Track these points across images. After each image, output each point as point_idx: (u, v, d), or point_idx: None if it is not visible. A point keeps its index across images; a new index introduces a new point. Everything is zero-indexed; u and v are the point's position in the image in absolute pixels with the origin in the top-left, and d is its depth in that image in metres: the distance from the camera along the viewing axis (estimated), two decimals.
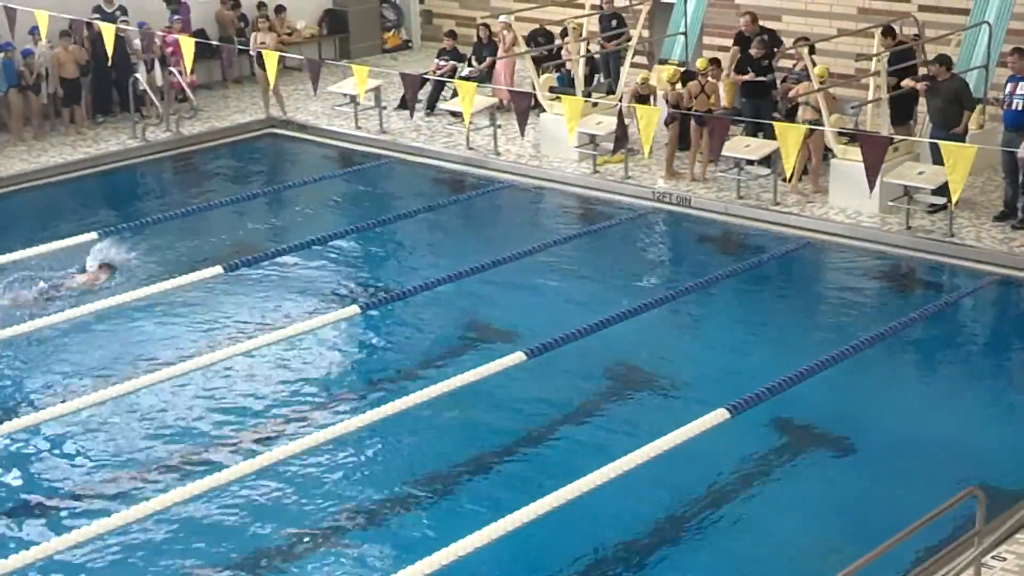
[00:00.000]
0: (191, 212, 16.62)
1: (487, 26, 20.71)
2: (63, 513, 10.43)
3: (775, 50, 17.95)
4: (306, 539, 10.07)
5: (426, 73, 20.18)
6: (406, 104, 19.63)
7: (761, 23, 18.43)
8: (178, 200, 17.44)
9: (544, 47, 20.02)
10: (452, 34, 21.26)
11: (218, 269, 14.42)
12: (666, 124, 16.99)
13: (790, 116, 16.48)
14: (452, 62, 20.63)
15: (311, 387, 12.42)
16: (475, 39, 20.90)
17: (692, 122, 17.01)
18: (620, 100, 17.95)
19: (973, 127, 16.16)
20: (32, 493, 10.77)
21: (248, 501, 10.49)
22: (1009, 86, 15.31)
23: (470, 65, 20.56)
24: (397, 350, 13.44)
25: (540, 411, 11.89)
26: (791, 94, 16.65)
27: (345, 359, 13.22)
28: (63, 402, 11.63)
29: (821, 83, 16.05)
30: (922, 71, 16.82)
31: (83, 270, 14.75)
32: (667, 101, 17.33)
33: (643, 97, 18.00)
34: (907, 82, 16.41)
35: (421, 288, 13.97)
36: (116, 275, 14.69)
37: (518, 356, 12.05)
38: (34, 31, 18.87)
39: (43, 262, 14.68)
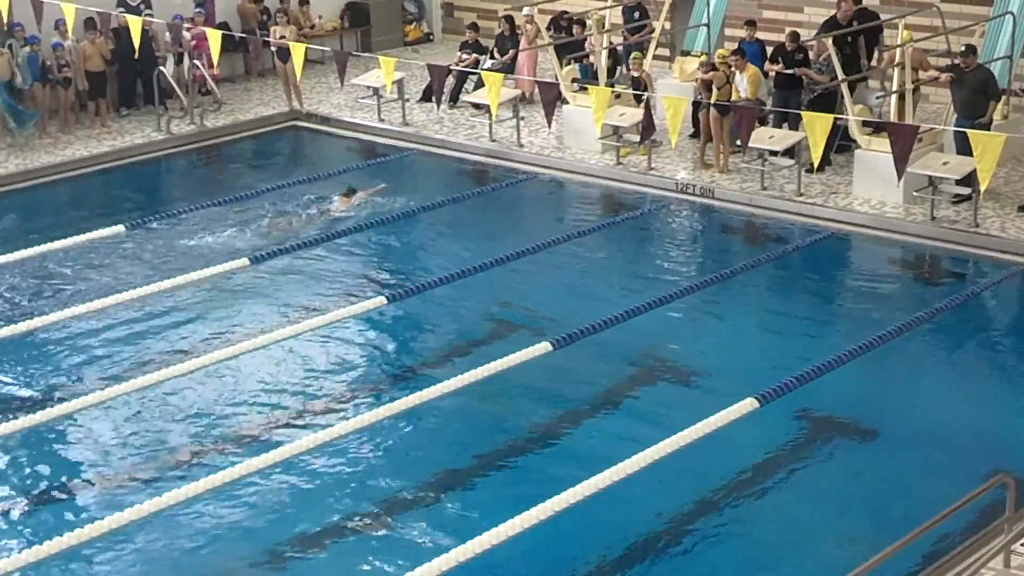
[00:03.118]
0: (216, 204, 16.70)
1: (510, 18, 20.74)
2: (81, 503, 10.54)
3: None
4: (335, 528, 10.12)
5: (450, 65, 20.24)
6: (430, 96, 19.75)
7: (786, 14, 18.33)
8: (202, 192, 17.52)
9: (566, 37, 20.03)
10: (474, 26, 21.31)
11: (244, 261, 14.51)
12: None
13: (818, 104, 16.36)
14: (475, 55, 20.68)
15: (338, 378, 12.50)
16: (497, 32, 20.94)
17: (712, 113, 17.01)
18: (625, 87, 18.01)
19: (997, 117, 16.14)
20: (57, 481, 10.86)
21: (274, 491, 10.57)
22: None
23: (492, 57, 20.60)
24: (423, 341, 13.51)
25: (567, 401, 11.94)
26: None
27: (372, 350, 13.28)
28: (85, 395, 11.68)
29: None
30: (945, 62, 16.81)
31: (332, 198, 16.75)
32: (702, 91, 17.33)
33: (637, 80, 18.03)
34: (931, 72, 16.41)
35: (447, 279, 14.03)
36: (360, 200, 16.68)
37: (544, 346, 12.11)
38: (59, 24, 18.98)
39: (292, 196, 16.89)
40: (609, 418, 11.74)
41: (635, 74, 18.14)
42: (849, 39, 17.33)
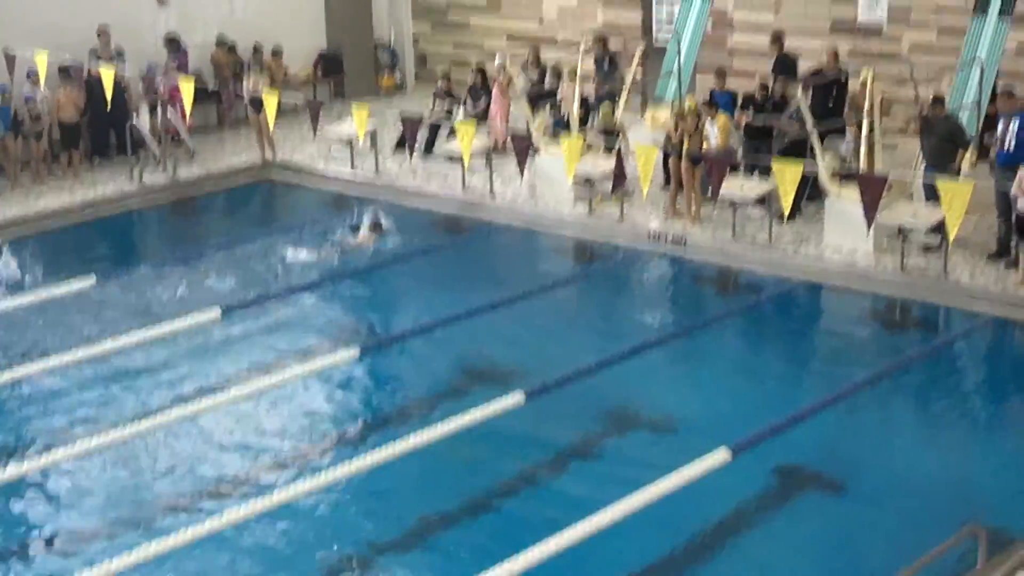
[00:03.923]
0: (188, 255, 16.67)
1: (482, 70, 20.85)
2: (56, 558, 10.44)
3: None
4: None
5: (423, 115, 20.30)
6: (404, 146, 19.79)
7: (756, 63, 18.59)
8: (174, 243, 17.48)
9: (536, 76, 20.21)
10: (447, 76, 21.40)
11: (216, 312, 14.49)
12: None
13: (789, 152, 16.51)
14: (447, 104, 20.76)
15: (309, 430, 12.44)
16: (469, 82, 21.03)
17: (682, 162, 17.10)
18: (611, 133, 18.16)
19: (966, 166, 16.26)
20: (27, 538, 10.76)
21: (246, 545, 10.48)
22: (1000, 125, 15.44)
23: (464, 107, 20.68)
24: (395, 392, 13.47)
25: (539, 452, 11.91)
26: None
27: (343, 401, 13.24)
28: (54, 449, 11.58)
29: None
30: (913, 111, 16.96)
31: (356, 231, 17.38)
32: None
33: (608, 131, 18.15)
34: (902, 122, 16.56)
35: (420, 330, 14.04)
36: (384, 236, 17.29)
37: (518, 397, 12.11)
38: (31, 75, 18.98)
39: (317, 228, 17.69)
40: (582, 470, 11.71)
41: (607, 128, 18.21)
42: (833, 91, 17.60)
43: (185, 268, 16.36)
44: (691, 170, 17.01)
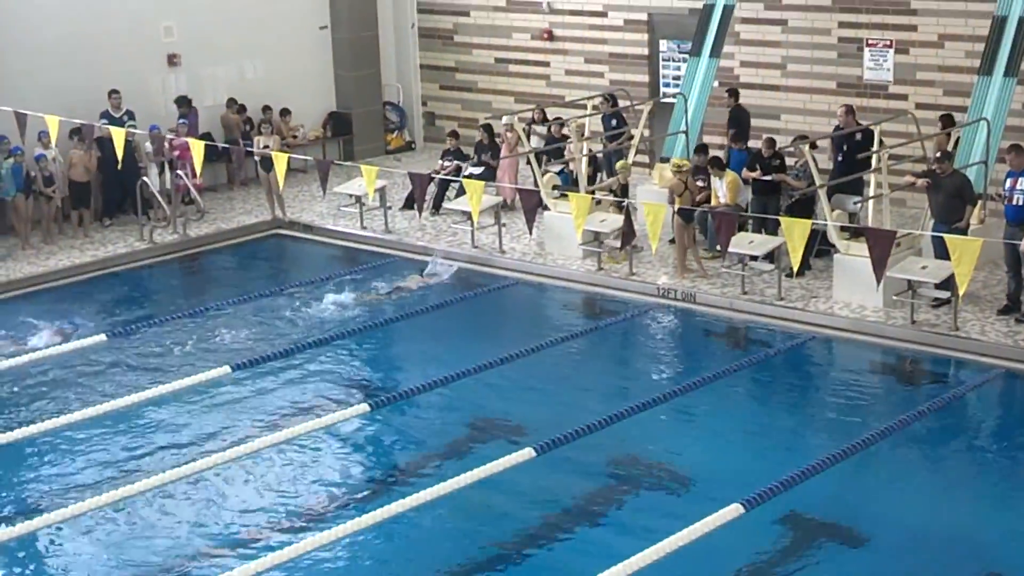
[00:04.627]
0: (198, 313, 16.71)
1: (488, 127, 21.00)
2: None
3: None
4: None
5: (432, 173, 20.42)
6: (412, 204, 19.89)
7: (762, 121, 18.72)
8: (184, 301, 17.52)
9: (542, 132, 20.46)
10: (455, 134, 21.55)
11: (226, 369, 14.50)
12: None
13: (796, 210, 16.59)
14: (456, 162, 20.89)
15: (321, 486, 12.42)
16: (477, 140, 21.17)
17: (676, 220, 17.23)
18: (614, 192, 18.25)
19: (974, 222, 16.32)
20: None
21: None
22: (1009, 181, 15.50)
23: (474, 165, 20.81)
24: (405, 448, 13.43)
25: (550, 509, 11.86)
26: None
27: (354, 458, 13.21)
28: (64, 507, 11.56)
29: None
30: (920, 168, 17.04)
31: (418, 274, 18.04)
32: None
33: (624, 187, 18.29)
34: (908, 178, 16.62)
35: (430, 386, 14.03)
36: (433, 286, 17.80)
37: (527, 452, 12.08)
38: (42, 136, 19.12)
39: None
40: (593, 525, 11.65)
41: (623, 182, 18.30)
42: (846, 147, 17.69)
43: (195, 325, 16.38)
44: (682, 227, 17.12)
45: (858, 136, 17.83)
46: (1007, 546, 11.14)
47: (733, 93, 19.63)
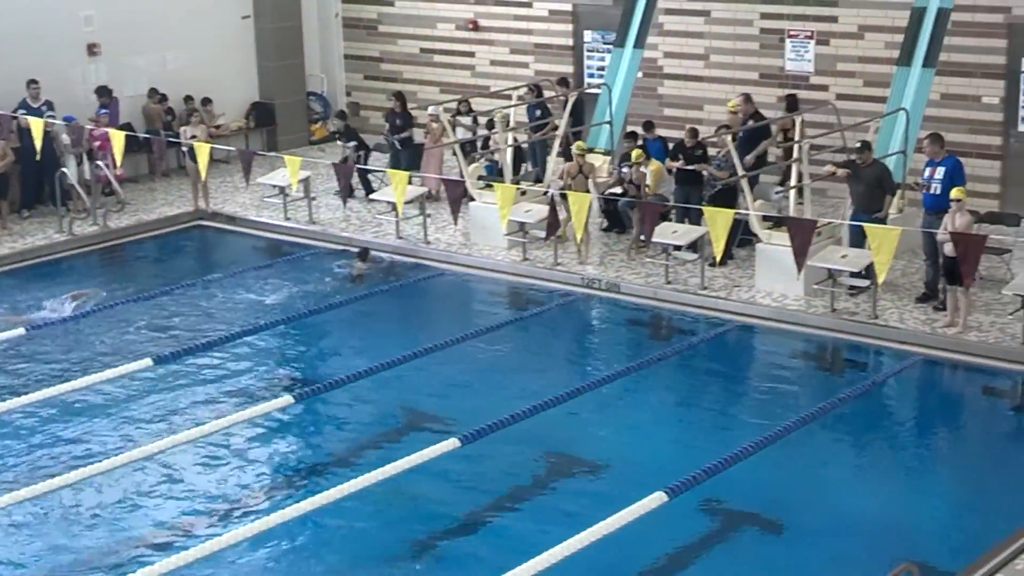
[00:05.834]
0: (119, 304, 16.51)
1: (400, 94, 21.20)
2: None
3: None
4: None
5: (346, 159, 20.37)
6: (352, 193, 19.77)
7: (686, 112, 18.82)
8: (106, 294, 17.29)
9: (468, 121, 20.55)
10: (341, 114, 21.49)
11: (148, 361, 14.35)
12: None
13: (719, 200, 16.69)
14: (352, 142, 20.89)
15: (243, 479, 12.33)
16: (389, 108, 21.14)
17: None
18: (551, 185, 18.28)
19: (893, 211, 16.52)
20: None
21: None
22: (927, 171, 15.71)
23: (391, 135, 20.93)
24: (330, 439, 13.37)
25: (475, 498, 11.87)
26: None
27: (279, 449, 13.13)
28: None
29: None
30: (841, 158, 17.22)
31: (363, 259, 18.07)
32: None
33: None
34: (829, 168, 16.80)
35: (354, 377, 13.96)
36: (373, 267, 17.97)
37: (453, 442, 12.07)
38: None
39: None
40: (518, 514, 11.67)
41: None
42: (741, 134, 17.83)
43: (116, 317, 16.18)
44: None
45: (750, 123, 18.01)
46: (927, 531, 11.31)
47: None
